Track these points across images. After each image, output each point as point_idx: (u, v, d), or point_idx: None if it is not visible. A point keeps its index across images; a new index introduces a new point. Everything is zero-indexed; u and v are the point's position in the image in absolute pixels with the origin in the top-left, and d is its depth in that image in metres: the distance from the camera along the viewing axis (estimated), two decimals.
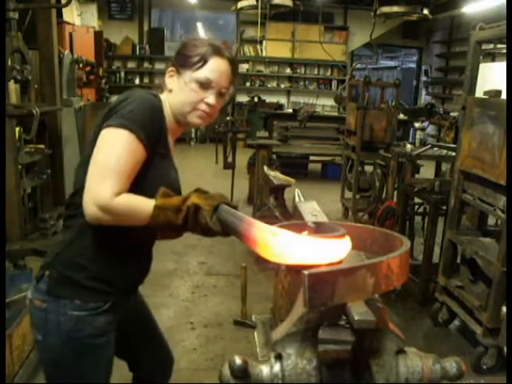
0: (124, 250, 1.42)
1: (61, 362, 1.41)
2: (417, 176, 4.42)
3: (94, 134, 1.33)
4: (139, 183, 1.32)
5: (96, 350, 1.42)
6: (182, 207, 1.24)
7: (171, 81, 1.47)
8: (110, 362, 1.50)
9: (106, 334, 1.43)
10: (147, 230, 1.29)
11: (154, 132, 1.34)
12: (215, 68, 1.43)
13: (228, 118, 5.34)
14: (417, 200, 4.16)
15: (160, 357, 1.77)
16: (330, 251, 0.96)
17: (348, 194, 5.79)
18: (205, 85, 1.42)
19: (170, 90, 1.47)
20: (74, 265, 1.38)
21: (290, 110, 9.36)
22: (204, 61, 1.42)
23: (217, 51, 1.44)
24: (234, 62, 1.49)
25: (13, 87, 4.55)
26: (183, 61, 1.45)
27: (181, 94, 1.44)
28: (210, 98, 1.43)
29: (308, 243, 0.97)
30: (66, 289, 1.37)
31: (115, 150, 1.27)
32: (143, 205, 1.26)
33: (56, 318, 1.36)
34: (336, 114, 8.62)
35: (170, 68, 1.47)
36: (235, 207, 1.23)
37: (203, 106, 1.44)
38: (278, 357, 0.93)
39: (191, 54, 1.43)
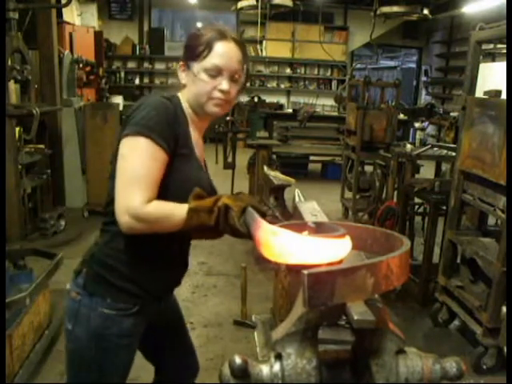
0: (155, 255, 1.43)
1: (83, 354, 1.44)
2: (417, 176, 4.42)
3: (117, 144, 1.36)
4: (164, 187, 1.33)
5: (119, 350, 1.44)
6: (214, 208, 1.24)
7: (183, 76, 1.47)
8: (130, 364, 1.52)
9: (131, 336, 1.45)
10: (178, 234, 1.30)
11: (171, 134, 1.34)
12: (222, 53, 1.40)
13: (228, 118, 5.33)
14: (417, 200, 4.16)
15: (185, 363, 1.77)
16: (330, 251, 0.97)
17: (348, 194, 5.79)
18: (214, 72, 1.40)
19: (185, 85, 1.46)
20: (107, 266, 1.41)
21: (290, 110, 9.36)
22: (209, 48, 1.40)
23: (220, 35, 1.41)
24: (240, 43, 1.46)
25: (13, 87, 4.55)
26: (190, 53, 1.43)
27: (194, 86, 1.43)
28: (223, 84, 1.41)
29: (308, 243, 0.97)
30: (99, 287, 1.41)
31: (137, 158, 1.29)
32: (175, 209, 1.27)
33: (87, 312, 1.40)
34: (336, 113, 8.61)
35: (181, 63, 1.47)
36: (262, 211, 1.23)
37: (218, 94, 1.42)
38: (278, 356, 0.93)
39: (196, 44, 1.42)
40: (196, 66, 1.41)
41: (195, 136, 1.48)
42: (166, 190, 1.33)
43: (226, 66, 1.40)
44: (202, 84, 1.41)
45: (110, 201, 1.37)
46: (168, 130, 1.34)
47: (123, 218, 1.26)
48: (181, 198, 1.30)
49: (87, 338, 1.41)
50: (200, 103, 1.43)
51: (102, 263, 1.42)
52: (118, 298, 1.40)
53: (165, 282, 1.52)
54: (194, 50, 1.41)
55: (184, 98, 1.47)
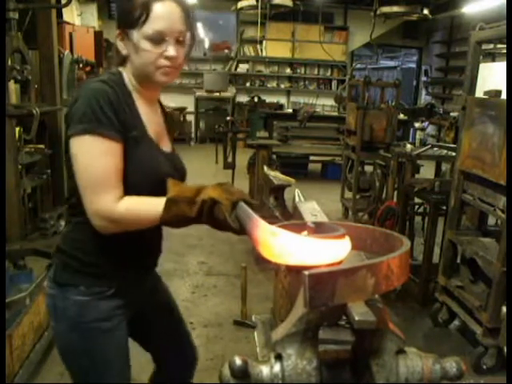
0: (121, 240, 1.33)
1: (71, 347, 1.42)
2: (417, 176, 4.42)
3: (65, 141, 1.29)
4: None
5: (103, 335, 1.40)
6: (196, 199, 1.18)
7: (123, 45, 1.34)
8: (123, 349, 1.48)
9: (112, 319, 1.41)
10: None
11: (116, 117, 1.25)
12: (160, 15, 1.27)
13: (228, 118, 5.34)
14: (417, 200, 4.16)
15: (182, 353, 1.74)
16: (330, 252, 0.96)
17: (348, 194, 5.79)
18: (156, 38, 1.27)
19: (127, 56, 1.34)
20: (72, 255, 1.38)
21: (290, 110, 9.36)
22: (146, 12, 1.26)
23: None
24: (180, 1, 1.32)
25: (13, 87, 4.55)
26: (125, 19, 1.30)
27: (136, 56, 1.31)
28: (170, 51, 1.29)
29: (308, 244, 0.96)
30: (69, 276, 1.38)
31: (90, 159, 1.22)
32: (150, 203, 1.22)
33: (62, 304, 1.38)
34: (336, 113, 8.61)
35: (117, 31, 1.34)
36: (253, 205, 1.18)
37: (165, 62, 1.30)
38: (278, 357, 0.93)
39: (130, 9, 1.27)
40: (135, 35, 1.28)
41: (147, 112, 1.38)
42: (124, 181, 1.27)
43: (168, 29, 1.28)
44: (145, 53, 1.28)
45: (70, 196, 1.35)
46: (113, 115, 1.24)
47: (96, 221, 1.22)
48: (140, 188, 1.24)
49: (68, 330, 1.38)
50: (146, 74, 1.32)
51: (67, 253, 1.39)
52: (89, 282, 1.36)
53: (136, 260, 1.46)
54: (130, 16, 1.28)
55: (127, 71, 1.36)
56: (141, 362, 1.79)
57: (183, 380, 1.77)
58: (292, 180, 4.29)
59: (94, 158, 1.22)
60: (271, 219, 1.08)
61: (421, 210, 4.55)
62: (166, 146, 1.47)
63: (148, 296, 1.59)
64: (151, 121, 1.39)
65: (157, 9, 1.27)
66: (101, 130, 1.22)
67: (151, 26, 1.27)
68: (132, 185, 1.26)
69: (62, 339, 1.42)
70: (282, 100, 11.63)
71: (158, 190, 1.27)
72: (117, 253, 1.39)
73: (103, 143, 1.22)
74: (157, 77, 1.32)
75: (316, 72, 11.98)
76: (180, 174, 1.47)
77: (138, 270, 1.51)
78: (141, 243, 1.43)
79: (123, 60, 1.38)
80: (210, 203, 1.17)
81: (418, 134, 5.70)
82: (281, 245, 0.97)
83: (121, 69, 1.37)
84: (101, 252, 1.38)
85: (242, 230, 1.14)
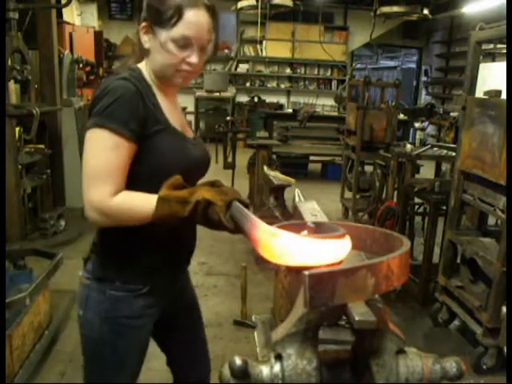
0: (156, 234, 1.34)
1: (96, 339, 1.43)
2: (417, 176, 4.42)
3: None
4: (143, 171, 1.29)
5: (131, 332, 1.42)
6: (190, 199, 1.18)
7: (147, 39, 1.33)
8: (144, 348, 1.50)
9: (143, 317, 1.43)
10: None
11: (133, 117, 1.25)
12: (193, 22, 1.27)
13: (228, 118, 5.34)
14: (417, 200, 4.16)
15: (197, 358, 1.73)
16: (331, 252, 0.96)
17: (348, 194, 5.79)
18: (183, 43, 1.28)
19: (148, 51, 1.34)
20: (111, 250, 1.40)
21: (290, 110, 9.36)
22: (179, 15, 1.26)
23: (192, 1, 1.27)
24: (212, 10, 1.32)
25: (13, 87, 4.55)
26: (155, 16, 1.29)
27: (159, 56, 1.31)
28: (193, 57, 1.30)
29: (309, 244, 0.96)
30: (107, 270, 1.40)
31: (97, 151, 1.24)
32: (144, 200, 1.22)
33: (96, 296, 1.39)
34: (336, 113, 8.61)
35: (143, 24, 1.33)
36: (247, 204, 1.19)
37: (186, 67, 1.32)
38: (278, 357, 0.93)
39: (163, 8, 1.27)
40: (163, 34, 1.28)
41: (167, 104, 1.38)
42: (148, 173, 1.28)
43: (196, 37, 1.29)
44: (168, 55, 1.29)
45: None
46: (129, 114, 1.24)
47: (89, 213, 1.23)
48: (172, 176, 1.24)
49: (99, 322, 1.40)
50: (165, 74, 1.34)
51: (106, 248, 1.41)
52: (126, 279, 1.38)
53: (171, 259, 1.47)
54: (161, 14, 1.28)
55: (146, 67, 1.36)
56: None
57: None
58: (292, 180, 4.29)
59: (99, 150, 1.23)
60: (271, 219, 1.08)
61: (421, 210, 4.55)
62: (190, 134, 1.48)
63: (177, 295, 1.60)
64: (172, 113, 1.40)
65: (189, 15, 1.27)
66: (112, 125, 1.22)
67: (180, 31, 1.28)
68: (162, 176, 1.24)
69: (89, 327, 1.43)
70: (282, 100, 11.63)
71: (193, 174, 1.29)
72: (154, 250, 1.40)
73: (111, 138, 1.22)
74: (174, 79, 1.35)
75: (316, 72, 11.98)
76: (207, 159, 1.49)
77: (173, 269, 1.52)
78: (178, 241, 1.45)
79: (142, 56, 1.39)
80: (204, 204, 1.17)
81: (418, 134, 5.70)
82: (281, 246, 0.96)
83: (139, 65, 1.38)
84: (139, 249, 1.39)
85: (237, 229, 1.15)
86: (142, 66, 1.38)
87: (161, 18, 1.28)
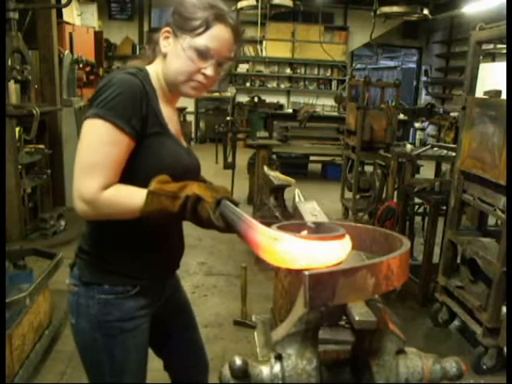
0: (143, 235, 1.34)
1: (91, 345, 1.41)
2: (417, 176, 4.42)
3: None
4: (137, 170, 1.28)
5: (124, 335, 1.40)
6: (180, 194, 1.17)
7: (166, 43, 1.34)
8: (143, 349, 1.48)
9: (135, 319, 1.41)
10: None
11: (136, 114, 1.25)
12: (217, 36, 1.30)
13: (228, 118, 5.34)
14: (417, 200, 4.16)
15: (193, 359, 1.71)
16: (333, 254, 0.96)
17: (348, 194, 5.79)
18: (204, 54, 1.30)
19: (165, 55, 1.34)
20: (96, 254, 1.39)
21: (290, 110, 9.36)
22: (206, 27, 1.29)
23: (221, 17, 1.30)
24: (237, 30, 1.35)
25: (13, 87, 4.55)
26: (182, 23, 1.31)
27: (176, 60, 1.32)
28: (209, 70, 1.31)
29: (312, 247, 0.94)
30: (93, 275, 1.38)
31: (93, 142, 1.22)
32: (134, 194, 1.21)
33: (85, 302, 1.38)
34: (336, 113, 8.61)
35: (166, 28, 1.33)
36: (237, 204, 1.17)
37: (200, 77, 1.32)
38: (278, 357, 0.93)
39: (191, 17, 1.29)
40: (187, 40, 1.29)
41: (167, 111, 1.37)
42: (141, 172, 1.27)
43: (218, 51, 1.31)
44: (186, 62, 1.30)
45: None
46: (133, 110, 1.24)
47: (78, 204, 1.21)
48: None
49: (90, 328, 1.38)
50: (177, 81, 1.33)
51: (90, 252, 1.39)
52: (114, 281, 1.37)
53: (159, 261, 1.45)
54: (189, 22, 1.30)
55: (154, 70, 1.36)
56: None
57: None
58: (292, 180, 4.29)
59: (97, 142, 1.22)
60: (271, 219, 1.07)
61: (421, 210, 4.55)
62: (183, 143, 1.48)
63: (167, 298, 1.58)
64: (171, 120, 1.39)
65: (216, 29, 1.30)
66: (113, 118, 1.21)
67: (203, 41, 1.29)
68: (149, 176, 1.24)
69: (83, 336, 1.42)
70: (282, 100, 11.63)
71: (183, 181, 1.27)
72: (141, 252, 1.39)
73: (112, 132, 1.21)
74: (185, 88, 1.35)
75: (316, 72, 11.97)
76: (198, 167, 1.49)
77: (161, 271, 1.50)
78: (165, 243, 1.44)
79: (153, 58, 1.39)
80: (194, 199, 1.16)
81: (418, 134, 5.69)
82: (284, 250, 0.94)
83: (147, 67, 1.37)
84: (125, 251, 1.38)
85: (227, 228, 1.14)
86: (151, 68, 1.38)
87: (188, 26, 1.30)
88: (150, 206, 1.18)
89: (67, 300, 1.46)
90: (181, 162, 1.37)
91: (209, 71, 1.32)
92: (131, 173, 1.27)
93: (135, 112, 1.25)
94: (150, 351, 1.66)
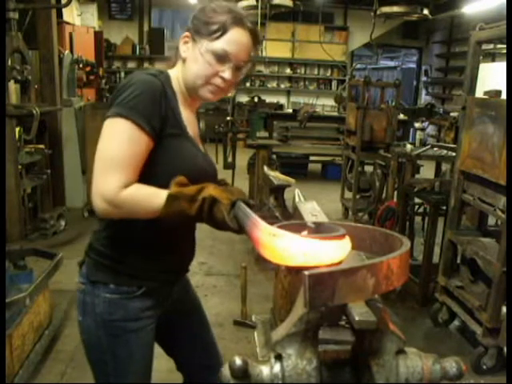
0: (153, 238, 1.36)
1: (96, 344, 1.42)
2: (417, 176, 4.42)
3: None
4: (155, 171, 1.28)
5: (128, 335, 1.41)
6: (197, 197, 1.18)
7: (185, 48, 1.36)
8: (148, 350, 1.48)
9: (140, 320, 1.41)
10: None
11: (156, 114, 1.26)
12: (235, 40, 1.32)
13: (228, 118, 5.33)
14: (417, 200, 4.16)
15: (206, 360, 1.69)
16: (332, 253, 0.96)
17: (348, 194, 5.79)
18: (221, 57, 1.31)
19: (184, 60, 1.36)
20: (104, 253, 1.39)
21: (290, 110, 9.36)
22: (223, 30, 1.30)
23: (239, 21, 1.32)
24: (255, 34, 1.36)
25: (13, 87, 4.55)
26: (200, 27, 1.33)
27: (194, 64, 1.34)
28: (226, 73, 1.33)
29: (310, 245, 0.95)
30: (100, 273, 1.39)
31: (114, 141, 1.23)
32: (154, 195, 1.21)
33: (91, 300, 1.39)
34: (336, 113, 8.61)
35: (186, 34, 1.36)
36: (252, 205, 1.18)
37: (218, 81, 1.34)
38: (278, 357, 0.92)
39: (209, 21, 1.31)
40: (205, 44, 1.31)
41: (186, 114, 1.39)
42: (158, 173, 1.28)
43: (235, 55, 1.32)
44: (204, 65, 1.32)
45: None
46: (153, 110, 1.25)
47: (98, 202, 1.21)
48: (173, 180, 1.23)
49: (95, 327, 1.39)
50: (195, 85, 1.35)
51: (99, 251, 1.40)
52: (120, 282, 1.37)
53: (167, 264, 1.45)
54: (207, 27, 1.32)
55: (175, 74, 1.38)
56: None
57: None
58: (292, 180, 4.29)
59: (117, 141, 1.23)
60: (271, 219, 1.07)
61: (421, 210, 4.55)
62: (201, 148, 1.49)
63: (176, 299, 1.58)
64: (190, 123, 1.41)
65: (233, 33, 1.32)
66: (134, 117, 1.22)
67: (221, 45, 1.31)
68: (168, 177, 1.24)
69: (88, 334, 1.43)
70: (282, 100, 11.64)
71: (194, 184, 1.28)
72: (153, 254, 1.39)
73: (133, 131, 1.22)
74: (202, 91, 1.36)
75: (316, 72, 11.98)
76: (214, 171, 1.49)
77: (170, 273, 1.50)
78: (177, 246, 1.45)
79: (175, 63, 1.41)
80: (210, 201, 1.18)
81: (418, 134, 5.69)
82: (283, 246, 0.96)
83: (169, 71, 1.39)
84: (133, 252, 1.38)
85: (240, 229, 1.15)
86: (172, 72, 1.39)
87: (206, 30, 1.32)
88: (170, 208, 1.19)
89: (77, 297, 1.46)
90: (198, 165, 1.38)
91: (226, 74, 1.33)
92: (148, 173, 1.28)
93: (155, 112, 1.26)
94: (161, 352, 1.66)
